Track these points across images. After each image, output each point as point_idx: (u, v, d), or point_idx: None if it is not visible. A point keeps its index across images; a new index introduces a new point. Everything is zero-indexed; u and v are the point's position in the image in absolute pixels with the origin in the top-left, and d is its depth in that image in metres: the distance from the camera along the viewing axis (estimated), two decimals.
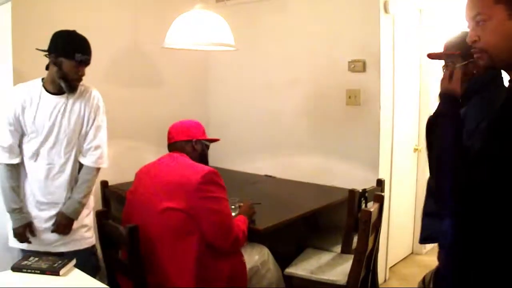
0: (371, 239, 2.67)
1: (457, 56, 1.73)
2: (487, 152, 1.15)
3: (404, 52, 3.83)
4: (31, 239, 2.55)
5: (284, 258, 2.98)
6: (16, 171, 2.55)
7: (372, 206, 2.67)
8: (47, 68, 2.53)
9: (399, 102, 3.74)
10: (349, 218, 3.03)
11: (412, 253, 4.38)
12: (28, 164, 2.56)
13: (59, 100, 2.54)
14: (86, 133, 2.65)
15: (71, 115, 2.57)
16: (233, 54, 3.65)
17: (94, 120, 2.66)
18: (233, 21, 3.11)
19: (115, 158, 3.44)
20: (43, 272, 1.83)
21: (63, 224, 2.57)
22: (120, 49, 3.81)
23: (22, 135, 2.53)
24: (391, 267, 3.96)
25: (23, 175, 2.59)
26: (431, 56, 1.74)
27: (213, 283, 2.33)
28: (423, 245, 4.31)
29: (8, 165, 2.51)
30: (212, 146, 2.68)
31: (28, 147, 2.54)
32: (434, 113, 1.41)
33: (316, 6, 3.79)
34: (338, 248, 3.12)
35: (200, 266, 2.26)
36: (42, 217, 2.59)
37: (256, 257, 2.68)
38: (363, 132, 3.59)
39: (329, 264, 2.91)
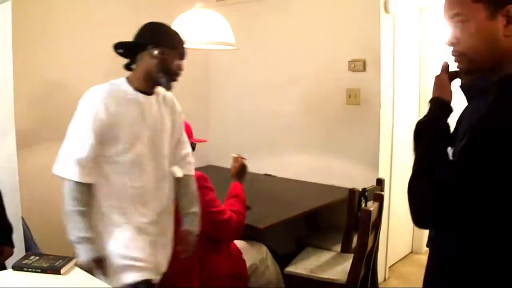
0: (371, 238, 2.68)
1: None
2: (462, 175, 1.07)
3: (404, 52, 3.83)
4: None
5: (284, 257, 2.99)
6: (89, 192, 1.99)
7: (372, 205, 2.67)
8: (128, 67, 2.21)
9: (399, 101, 3.74)
10: (349, 217, 3.03)
11: (411, 252, 4.39)
12: (116, 180, 2.04)
13: (149, 100, 2.13)
14: (178, 140, 2.29)
15: (162, 117, 2.18)
16: (233, 53, 3.65)
17: (180, 124, 2.32)
18: (233, 20, 3.11)
19: None
20: (44, 271, 1.82)
21: (192, 242, 2.25)
22: None
23: (107, 145, 2.01)
24: (390, 266, 3.96)
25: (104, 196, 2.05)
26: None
27: (216, 282, 2.34)
28: (422, 244, 4.32)
29: (78, 183, 1.93)
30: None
31: (120, 160, 2.04)
32: (423, 116, 1.36)
33: (316, 5, 3.79)
34: (338, 247, 3.13)
35: (203, 265, 2.28)
36: None
37: (254, 255, 2.69)
38: (363, 131, 3.59)
39: (329, 263, 2.92)
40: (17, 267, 1.85)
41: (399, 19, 3.65)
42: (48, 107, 3.34)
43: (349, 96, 3.62)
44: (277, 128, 4.15)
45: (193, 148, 2.52)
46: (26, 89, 3.16)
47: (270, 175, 4.08)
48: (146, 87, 2.11)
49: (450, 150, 1.33)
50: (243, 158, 2.83)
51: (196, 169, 2.38)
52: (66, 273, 1.84)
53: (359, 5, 3.52)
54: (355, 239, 2.72)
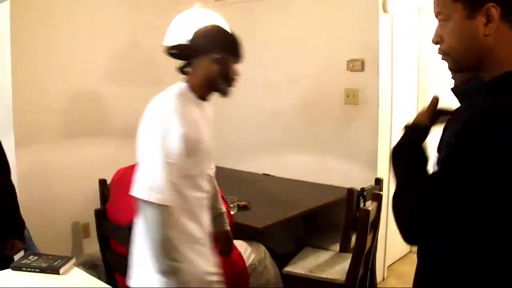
0: (369, 238, 2.68)
1: None
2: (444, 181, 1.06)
3: (403, 52, 3.83)
4: None
5: (282, 257, 2.99)
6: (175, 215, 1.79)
7: (370, 205, 2.68)
8: (182, 70, 2.06)
9: (397, 101, 3.75)
10: (348, 217, 3.04)
11: (410, 251, 4.39)
12: (191, 194, 1.89)
13: (204, 107, 2.09)
14: None
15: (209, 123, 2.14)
16: None
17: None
18: (232, 20, 3.11)
19: (113, 156, 3.45)
20: (43, 270, 1.83)
21: (231, 241, 2.24)
22: (120, 47, 3.80)
23: (186, 161, 1.82)
24: (389, 265, 3.97)
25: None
26: None
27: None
28: None
29: (169, 208, 1.72)
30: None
31: (193, 173, 1.91)
32: (397, 142, 1.34)
33: (315, 5, 3.79)
34: (336, 247, 3.13)
35: None
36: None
37: (253, 255, 2.69)
38: (362, 131, 3.59)
39: (328, 263, 2.92)
40: (16, 267, 1.85)
41: (398, 19, 3.65)
42: (46, 106, 3.34)
43: (348, 96, 3.62)
44: (276, 127, 4.15)
45: None
46: (24, 88, 3.16)
47: (268, 175, 4.08)
48: (205, 93, 2.02)
49: (434, 156, 1.33)
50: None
51: None
52: (65, 272, 1.84)
53: (358, 5, 3.52)
54: (353, 239, 2.72)
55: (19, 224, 2.38)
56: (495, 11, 1.02)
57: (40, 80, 3.27)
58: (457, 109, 1.47)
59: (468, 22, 1.06)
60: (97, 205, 2.94)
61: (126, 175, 2.43)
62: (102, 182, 3.47)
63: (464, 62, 1.13)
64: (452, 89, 1.53)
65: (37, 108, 3.28)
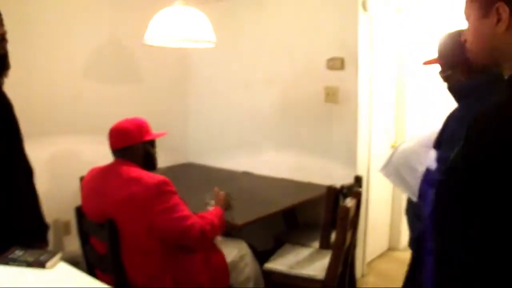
0: (348, 235, 2.71)
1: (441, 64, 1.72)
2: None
3: (382, 50, 3.87)
4: None
5: (262, 254, 3.01)
6: None
7: (350, 202, 2.70)
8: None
9: (376, 99, 3.79)
10: (327, 214, 3.06)
11: (389, 249, 4.44)
12: None
13: None
14: None
15: None
16: (212, 51, 3.65)
17: None
18: (212, 18, 3.11)
19: (94, 153, 3.43)
20: (29, 265, 1.82)
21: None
22: (99, 45, 3.77)
23: None
24: (368, 262, 4.01)
25: None
26: (425, 63, 1.70)
27: (195, 280, 2.34)
28: (399, 240, 4.38)
29: None
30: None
31: None
32: None
33: (294, 3, 3.80)
34: (316, 244, 3.15)
35: (174, 265, 2.27)
36: None
37: (234, 251, 2.70)
38: (341, 129, 3.62)
39: (308, 259, 2.94)
40: (2, 261, 1.84)
41: (377, 18, 3.69)
42: (25, 104, 3.30)
43: (328, 94, 3.65)
44: (256, 125, 4.16)
45: (152, 145, 2.46)
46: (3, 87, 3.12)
47: (248, 173, 4.09)
48: None
49: (434, 153, 1.35)
50: (229, 197, 2.72)
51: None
52: (51, 267, 1.84)
53: (337, 3, 3.54)
54: (333, 236, 2.74)
55: (43, 227, 2.38)
56: (504, 10, 1.05)
57: (18, 78, 3.22)
58: (455, 109, 1.51)
59: (483, 21, 1.10)
60: (78, 202, 2.92)
61: (96, 175, 2.44)
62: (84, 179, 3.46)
63: (481, 59, 1.17)
64: (449, 88, 1.57)
65: (16, 106, 3.23)
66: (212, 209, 2.55)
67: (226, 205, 2.66)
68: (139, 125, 2.41)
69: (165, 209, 2.18)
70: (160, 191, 2.19)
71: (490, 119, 1.00)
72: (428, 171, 1.68)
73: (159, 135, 2.49)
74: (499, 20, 1.06)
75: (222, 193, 2.69)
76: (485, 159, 0.96)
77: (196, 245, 2.33)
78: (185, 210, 2.26)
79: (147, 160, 2.42)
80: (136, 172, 2.28)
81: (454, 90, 1.59)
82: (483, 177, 0.96)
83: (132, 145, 2.36)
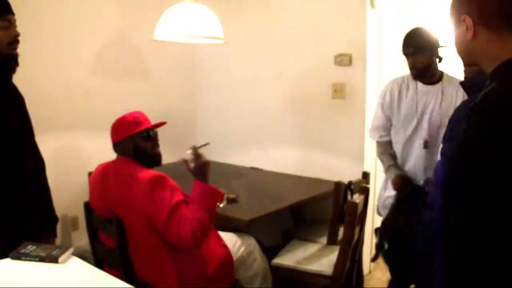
0: (356, 231, 2.71)
1: None
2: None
3: (389, 47, 3.86)
4: None
5: (270, 249, 3.02)
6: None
7: (357, 198, 2.71)
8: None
9: None
10: (335, 210, 3.07)
11: None
12: None
13: None
14: None
15: None
16: (220, 48, 3.66)
17: None
18: (221, 14, 3.12)
19: (101, 149, 3.44)
20: (42, 259, 1.84)
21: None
22: (107, 41, 3.79)
23: None
24: None
25: None
26: None
27: (200, 275, 2.34)
28: None
29: None
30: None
31: None
32: None
33: (303, 0, 3.81)
34: (323, 240, 3.16)
35: (178, 260, 2.27)
36: None
37: (242, 247, 2.70)
38: (349, 125, 3.62)
39: (315, 255, 2.95)
40: (15, 256, 1.86)
41: (385, 15, 3.68)
42: (33, 100, 3.32)
43: (335, 91, 3.65)
44: (264, 122, 4.17)
45: (147, 137, 2.37)
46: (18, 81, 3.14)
47: (256, 169, 4.10)
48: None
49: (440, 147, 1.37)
50: (200, 148, 2.41)
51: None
52: (63, 261, 1.86)
53: (346, 0, 3.55)
54: (341, 232, 2.75)
55: (52, 219, 2.42)
56: (468, 21, 1.18)
57: (26, 74, 3.24)
58: (465, 101, 1.58)
59: (457, 28, 1.24)
60: (86, 198, 2.94)
61: (100, 172, 2.46)
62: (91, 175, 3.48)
63: (464, 60, 1.31)
64: (461, 83, 1.61)
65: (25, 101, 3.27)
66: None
67: (203, 169, 2.34)
68: (125, 119, 2.39)
69: (159, 206, 2.16)
70: (154, 187, 2.16)
71: (484, 106, 1.09)
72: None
73: (148, 126, 2.39)
74: (467, 29, 1.19)
75: (198, 155, 2.37)
76: (483, 146, 1.04)
77: (191, 250, 2.27)
78: (182, 209, 2.17)
79: (137, 154, 2.34)
80: (132, 169, 2.28)
81: (463, 85, 1.61)
82: (481, 163, 1.04)
83: (120, 140, 2.36)
